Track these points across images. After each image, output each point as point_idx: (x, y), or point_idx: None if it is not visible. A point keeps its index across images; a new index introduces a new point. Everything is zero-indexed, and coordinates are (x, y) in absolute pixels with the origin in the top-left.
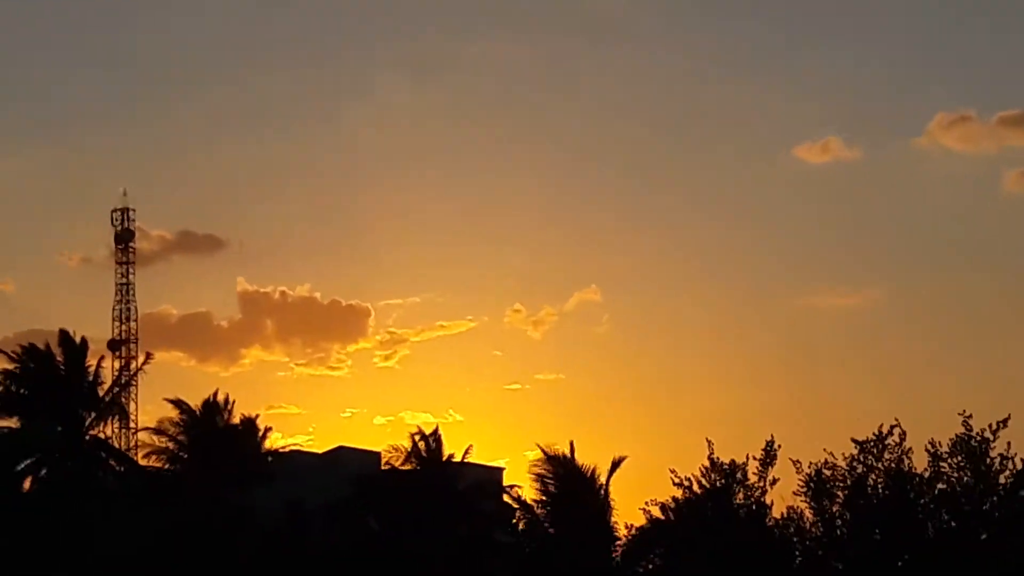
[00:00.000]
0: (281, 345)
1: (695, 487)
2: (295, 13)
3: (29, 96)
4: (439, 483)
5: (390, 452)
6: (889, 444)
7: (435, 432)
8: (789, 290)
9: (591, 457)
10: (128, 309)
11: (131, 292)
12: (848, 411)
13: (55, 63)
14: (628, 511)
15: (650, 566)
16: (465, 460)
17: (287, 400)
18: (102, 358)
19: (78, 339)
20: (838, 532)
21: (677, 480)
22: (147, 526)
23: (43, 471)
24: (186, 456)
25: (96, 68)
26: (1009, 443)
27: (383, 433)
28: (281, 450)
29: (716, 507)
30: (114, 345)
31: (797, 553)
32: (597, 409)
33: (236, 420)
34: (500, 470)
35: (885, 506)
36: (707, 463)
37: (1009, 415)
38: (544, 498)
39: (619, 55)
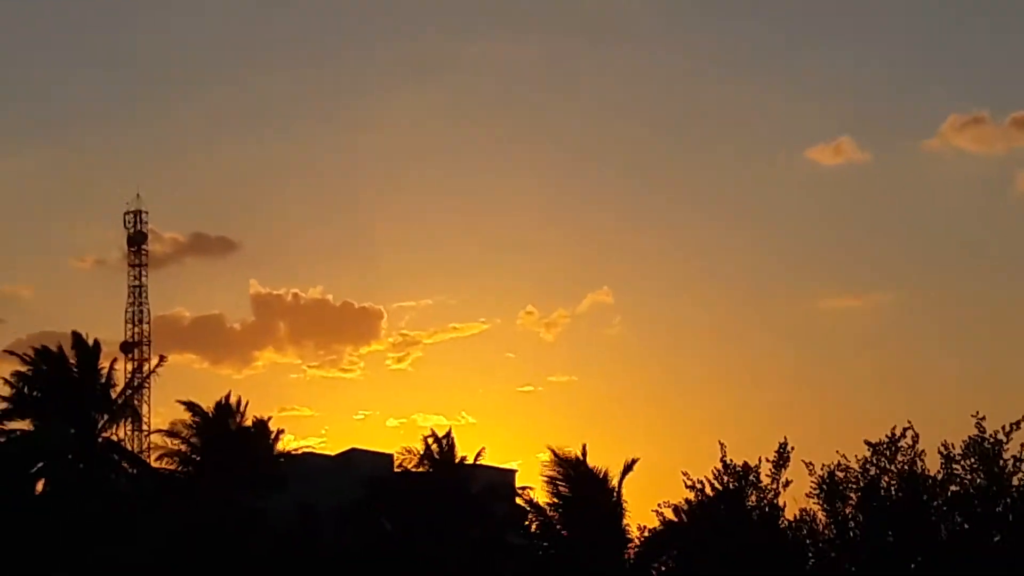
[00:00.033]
0: (294, 347)
1: (707, 489)
2: (304, 13)
3: (42, 98)
4: (452, 485)
5: (403, 454)
6: (902, 446)
7: (448, 434)
8: (802, 292)
9: (603, 459)
10: (141, 311)
11: (144, 294)
12: (861, 413)
13: (67, 65)
14: (641, 513)
15: (663, 568)
16: (478, 462)
17: (300, 402)
18: (115, 360)
19: (91, 341)
20: (851, 534)
21: (689, 483)
22: (159, 529)
23: (56, 473)
24: (198, 458)
25: (108, 70)
26: (1023, 445)
27: (396, 435)
28: (294, 452)
29: (729, 509)
30: (127, 347)
31: (810, 555)
32: (609, 411)
33: (249, 422)
34: (513, 472)
35: (898, 508)
36: (719, 465)
37: (1023, 416)
38: (557, 501)
39: (627, 55)
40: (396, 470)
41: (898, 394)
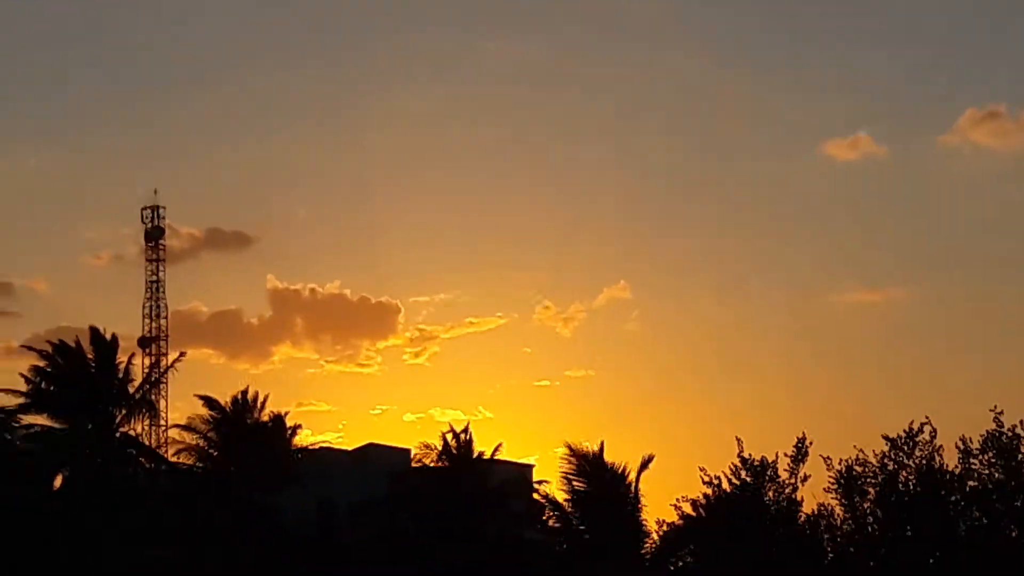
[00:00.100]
0: (311, 342)
1: (724, 484)
2: (319, 11)
3: (60, 96)
4: (469, 481)
5: (421, 450)
6: (920, 441)
7: (466, 429)
8: (819, 287)
9: (620, 454)
10: (158, 306)
11: (161, 289)
12: (878, 408)
13: (84, 63)
14: (658, 509)
15: (680, 563)
16: (495, 457)
17: (317, 397)
18: (132, 355)
19: (108, 336)
20: (869, 529)
21: (707, 478)
22: (177, 524)
23: (73, 468)
24: (216, 453)
25: (126, 67)
26: None
27: (413, 430)
28: (311, 447)
29: (746, 504)
30: (144, 342)
31: (828, 550)
32: (626, 405)
33: (266, 417)
34: (530, 467)
35: (916, 503)
36: (736, 461)
37: None
38: (574, 496)
39: (643, 52)
40: (413, 465)
41: (916, 389)
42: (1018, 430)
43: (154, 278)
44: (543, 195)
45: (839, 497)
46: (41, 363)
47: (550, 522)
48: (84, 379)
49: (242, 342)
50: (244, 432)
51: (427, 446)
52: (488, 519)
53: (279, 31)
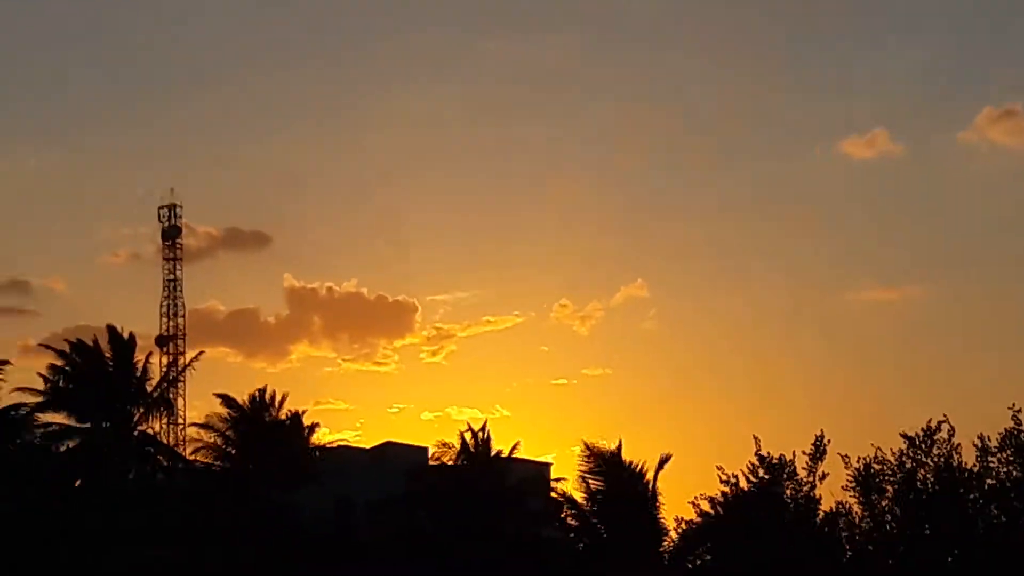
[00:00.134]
0: (328, 341)
1: (742, 483)
2: (335, 8)
3: (76, 94)
4: (487, 479)
5: (438, 448)
6: (938, 439)
7: (483, 427)
8: (836, 285)
9: (638, 452)
10: (176, 305)
11: (178, 288)
12: (896, 406)
13: (100, 61)
14: (676, 507)
15: (698, 561)
16: (513, 456)
17: (335, 396)
18: (150, 354)
19: (126, 335)
20: (887, 527)
21: (724, 477)
22: (194, 523)
23: (91, 466)
24: (234, 452)
25: (142, 65)
26: None
27: (430, 428)
28: (329, 446)
29: (765, 502)
30: (162, 341)
31: (846, 548)
32: (644, 404)
33: (284, 416)
34: (548, 465)
35: (934, 501)
36: (754, 459)
37: None
38: (592, 495)
39: (658, 48)
40: (431, 463)
41: (934, 387)
42: None
43: (171, 277)
44: (560, 194)
45: (857, 495)
46: (59, 362)
47: (568, 520)
48: (102, 378)
49: (259, 341)
50: (262, 430)
51: (445, 444)
52: (506, 517)
53: (297, 29)
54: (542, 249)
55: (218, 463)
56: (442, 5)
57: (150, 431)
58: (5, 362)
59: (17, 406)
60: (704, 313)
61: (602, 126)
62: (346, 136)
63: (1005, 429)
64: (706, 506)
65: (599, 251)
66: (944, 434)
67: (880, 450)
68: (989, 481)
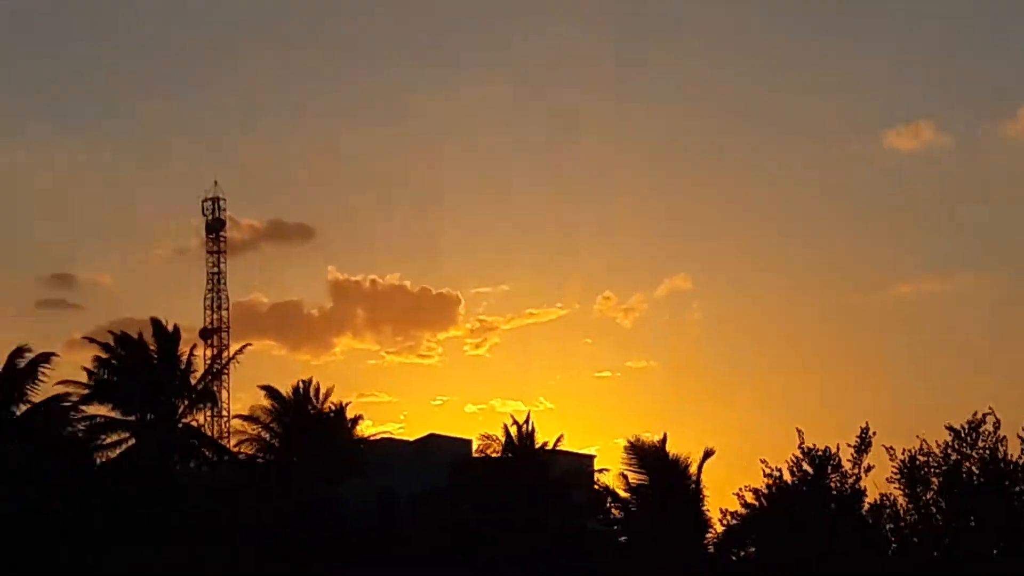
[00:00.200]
0: (372, 333)
1: (786, 476)
2: (376, 3)
3: (121, 88)
4: (531, 471)
5: (482, 440)
6: (983, 431)
7: (528, 420)
8: (882, 276)
9: (682, 445)
10: (219, 298)
11: (222, 281)
12: (943, 398)
13: (146, 55)
14: (721, 500)
15: (742, 553)
16: (556, 448)
17: (378, 388)
18: (194, 346)
19: (170, 328)
20: (933, 520)
21: (768, 470)
22: (239, 514)
23: (135, 458)
24: (278, 444)
25: (186, 58)
26: None
27: (474, 421)
28: (372, 438)
29: (809, 494)
30: (206, 334)
31: (892, 540)
32: (688, 396)
33: (327, 408)
34: (591, 458)
35: (980, 494)
36: (798, 452)
37: None
38: (636, 488)
39: (700, 40)
40: (475, 456)
41: (979, 378)
42: None
43: (215, 270)
44: (603, 186)
45: (902, 487)
46: (104, 354)
47: (612, 512)
48: (146, 370)
49: (303, 333)
50: (306, 422)
51: (489, 437)
52: (549, 510)
53: (338, 25)
54: (585, 242)
55: (262, 455)
56: None
57: (194, 424)
58: (51, 355)
59: (58, 397)
60: (748, 305)
61: (646, 120)
62: (390, 128)
63: None
64: (750, 498)
65: (643, 243)
66: (990, 426)
67: (925, 442)
68: None
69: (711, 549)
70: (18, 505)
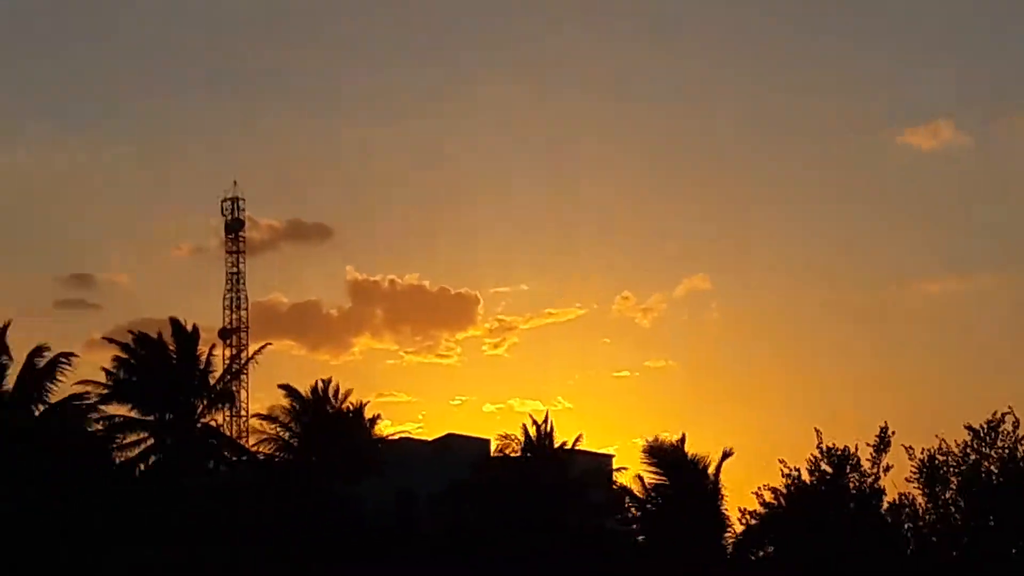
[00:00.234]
0: (390, 333)
1: (804, 475)
2: (400, 2)
3: (139, 88)
4: (550, 471)
5: (501, 440)
6: (1002, 431)
7: (546, 419)
8: (900, 275)
9: (700, 444)
10: (238, 298)
11: (241, 281)
12: (962, 397)
13: (163, 55)
14: (739, 500)
15: (761, 552)
16: (575, 448)
17: (397, 388)
18: (213, 346)
19: (189, 327)
20: (952, 519)
21: (786, 471)
22: (259, 513)
23: (154, 458)
24: (296, 443)
25: (204, 58)
26: None
27: (492, 421)
28: (391, 438)
29: (828, 493)
30: (225, 334)
31: (910, 539)
32: (706, 396)
33: (346, 407)
34: (609, 457)
35: (999, 493)
36: (816, 452)
37: None
38: (654, 488)
39: (719, 39)
40: (493, 455)
41: (999, 378)
42: None
43: (234, 270)
44: (622, 186)
45: (921, 487)
46: (123, 354)
47: (630, 512)
48: (165, 370)
49: (322, 333)
50: (325, 421)
51: (507, 436)
52: (568, 509)
53: (358, 24)
54: (604, 242)
55: (280, 455)
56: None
57: (213, 424)
58: (70, 354)
59: (76, 397)
60: (766, 305)
61: (664, 119)
62: (408, 129)
63: None
64: (769, 497)
65: (661, 243)
66: (1009, 426)
67: (944, 442)
68: None
69: (730, 549)
70: (20, 505)
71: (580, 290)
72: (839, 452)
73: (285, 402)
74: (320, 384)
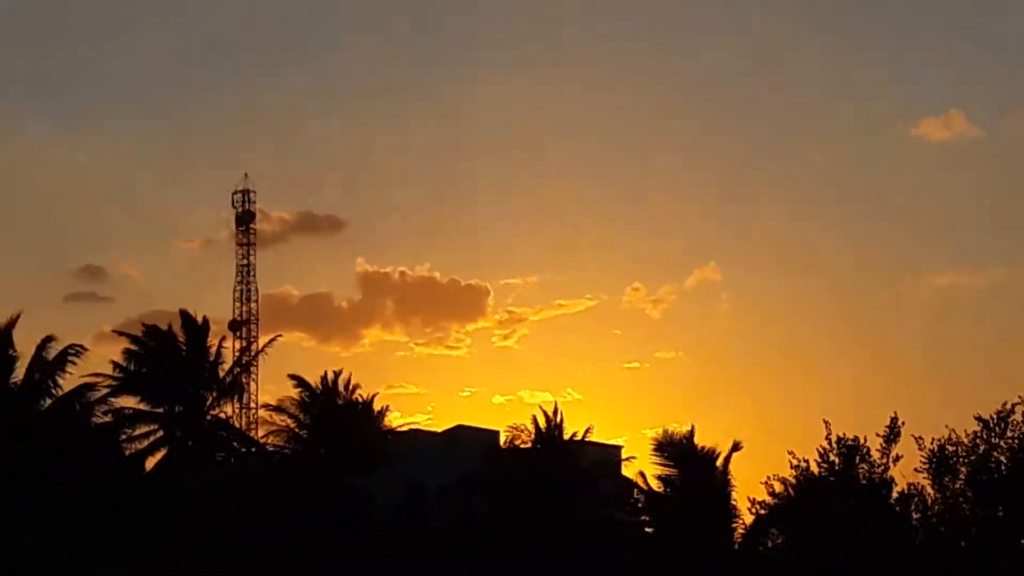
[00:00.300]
0: (400, 325)
1: (812, 467)
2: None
3: (151, 80)
4: (560, 462)
5: (512, 431)
6: (1012, 421)
7: (556, 410)
8: (911, 268)
9: (710, 436)
10: (249, 290)
11: (252, 273)
12: (972, 388)
13: (174, 46)
14: (749, 491)
15: (770, 544)
16: (585, 439)
17: (407, 379)
18: (223, 339)
19: (199, 320)
20: (961, 509)
21: (795, 462)
22: (267, 505)
23: (164, 450)
24: (306, 435)
25: (214, 50)
26: None
27: (502, 412)
28: (400, 429)
29: (838, 483)
30: (235, 326)
31: (919, 529)
32: (716, 387)
33: (355, 398)
34: (619, 448)
35: (1008, 483)
36: (824, 444)
37: None
38: (664, 479)
39: (731, 30)
40: (503, 447)
41: (1009, 368)
42: None
43: (245, 262)
44: (632, 178)
45: (930, 477)
46: (133, 346)
47: (639, 503)
48: (175, 362)
49: (332, 325)
50: (334, 413)
51: (517, 427)
52: (578, 501)
53: (369, 13)
54: (614, 232)
55: (290, 446)
56: None
57: (222, 416)
58: (79, 347)
59: (84, 388)
60: (777, 297)
61: (674, 111)
62: (418, 121)
63: None
64: (779, 487)
65: (672, 234)
66: (1019, 416)
67: (954, 432)
68: None
69: (739, 540)
70: (24, 500)
71: (590, 281)
72: (849, 442)
73: (295, 393)
74: (330, 375)
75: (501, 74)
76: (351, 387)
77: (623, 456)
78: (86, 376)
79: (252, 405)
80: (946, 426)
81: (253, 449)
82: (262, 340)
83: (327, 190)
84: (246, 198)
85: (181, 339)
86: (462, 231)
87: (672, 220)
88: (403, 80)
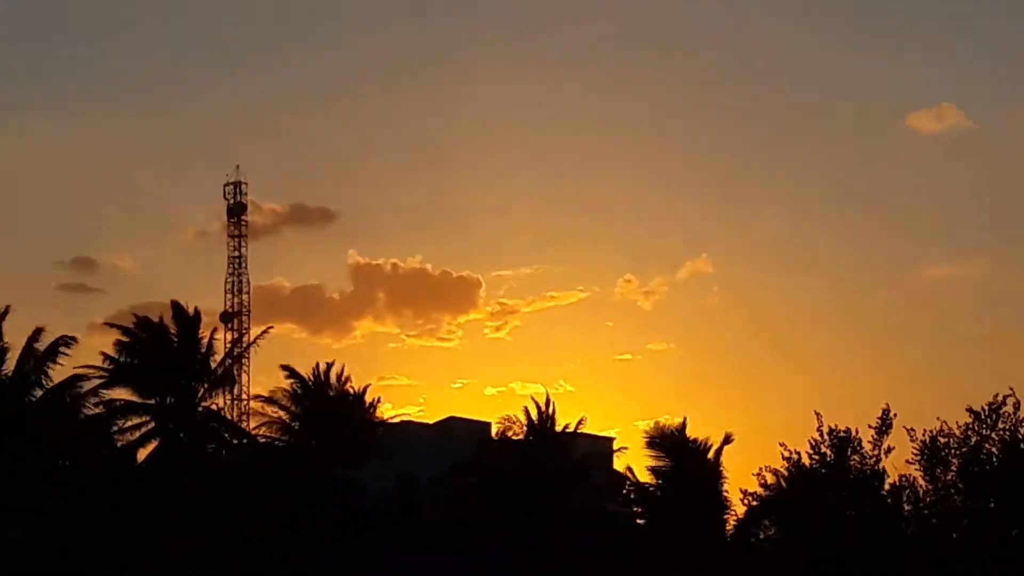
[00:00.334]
0: (392, 316)
1: (804, 459)
2: None
3: (142, 70)
4: (553, 454)
5: (504, 423)
6: (1003, 413)
7: (548, 402)
8: (903, 260)
9: (702, 428)
10: (240, 282)
11: (243, 265)
12: (964, 380)
13: (165, 36)
14: (740, 480)
15: (762, 535)
16: (577, 431)
17: (398, 371)
18: (215, 330)
19: (191, 311)
20: (952, 500)
21: (787, 453)
22: (259, 497)
23: (156, 442)
24: (297, 426)
25: (206, 39)
26: None
27: (494, 404)
28: (392, 421)
29: (830, 474)
30: (227, 317)
31: (910, 520)
32: (708, 379)
33: (347, 390)
34: (611, 440)
35: (999, 475)
36: (816, 436)
37: None
38: (656, 471)
39: (724, 23)
40: (495, 438)
41: (1000, 360)
42: None
43: (236, 254)
44: (625, 169)
45: (922, 468)
46: (124, 338)
47: (631, 495)
48: (167, 353)
49: (324, 317)
50: (326, 404)
51: (509, 419)
52: (570, 492)
53: (361, 5)
54: (606, 225)
55: (281, 437)
56: None
57: (214, 407)
58: (70, 338)
59: (75, 379)
60: (769, 288)
61: (667, 103)
62: (411, 112)
63: None
64: (771, 478)
65: (664, 226)
66: (1010, 408)
67: (946, 424)
68: None
69: (731, 531)
70: (16, 490)
71: (582, 273)
72: (840, 433)
73: (286, 384)
74: (322, 367)
75: (493, 69)
76: (343, 379)
77: (615, 448)
78: (77, 367)
79: (244, 396)
80: (938, 418)
81: (245, 440)
82: (254, 332)
83: (319, 182)
84: (238, 190)
85: (173, 331)
86: (454, 223)
87: (664, 212)
88: (395, 73)
